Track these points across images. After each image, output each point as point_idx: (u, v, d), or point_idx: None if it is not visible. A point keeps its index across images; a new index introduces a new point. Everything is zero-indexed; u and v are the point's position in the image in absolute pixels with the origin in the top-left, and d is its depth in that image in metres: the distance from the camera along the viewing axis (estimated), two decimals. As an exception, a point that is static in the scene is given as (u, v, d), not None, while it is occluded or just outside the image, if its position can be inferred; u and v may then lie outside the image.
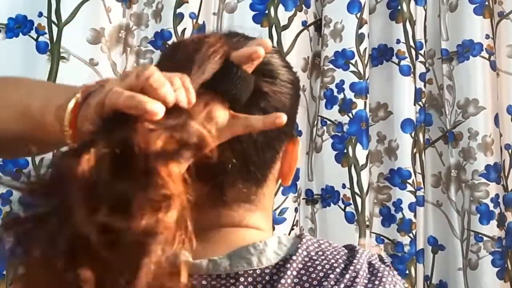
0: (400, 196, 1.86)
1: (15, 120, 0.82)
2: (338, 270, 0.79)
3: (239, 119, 0.75)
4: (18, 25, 1.73)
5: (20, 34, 1.73)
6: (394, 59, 1.89)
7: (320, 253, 0.82)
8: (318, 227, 1.91)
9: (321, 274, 0.78)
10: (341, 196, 1.87)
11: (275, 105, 0.80)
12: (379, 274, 0.80)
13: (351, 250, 0.84)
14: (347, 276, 0.78)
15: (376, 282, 0.79)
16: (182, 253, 0.63)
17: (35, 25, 1.73)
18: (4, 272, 1.68)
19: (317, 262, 0.80)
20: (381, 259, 0.84)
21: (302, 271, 0.79)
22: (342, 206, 1.87)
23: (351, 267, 0.79)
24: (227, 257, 0.79)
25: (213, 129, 0.72)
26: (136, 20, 1.83)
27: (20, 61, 1.72)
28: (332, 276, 0.78)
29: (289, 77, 0.83)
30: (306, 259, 0.80)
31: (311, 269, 0.79)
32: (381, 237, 1.89)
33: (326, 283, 0.77)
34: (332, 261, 0.80)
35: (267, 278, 0.78)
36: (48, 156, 0.81)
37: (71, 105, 0.76)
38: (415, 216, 1.86)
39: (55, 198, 0.62)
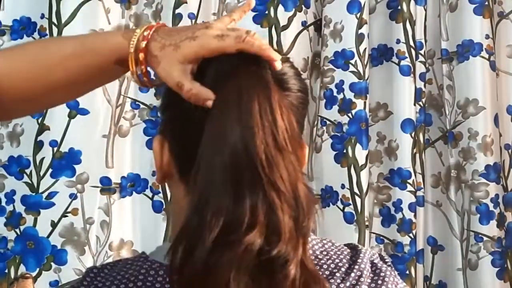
0: (400, 196, 1.87)
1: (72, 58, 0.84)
2: (343, 269, 0.80)
3: None
4: (22, 27, 1.75)
5: (24, 35, 1.74)
6: (394, 59, 1.90)
7: (325, 252, 0.82)
8: (318, 227, 1.91)
9: (327, 272, 0.79)
10: (340, 196, 1.87)
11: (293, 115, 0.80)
12: (382, 274, 0.81)
13: (354, 249, 0.84)
14: (352, 275, 0.79)
15: (379, 282, 0.80)
16: None
17: (38, 26, 1.74)
18: (6, 271, 1.69)
19: (322, 261, 0.81)
20: (382, 258, 0.85)
21: None
22: (341, 207, 1.87)
23: (356, 267, 0.80)
24: None
25: None
26: (135, 20, 1.83)
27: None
28: (338, 274, 0.79)
29: (301, 86, 0.83)
30: (312, 257, 0.81)
31: (317, 267, 0.80)
32: (381, 237, 1.90)
33: (332, 280, 0.78)
34: (337, 260, 0.81)
35: None
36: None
37: (140, 32, 0.80)
38: (415, 216, 1.86)
39: None
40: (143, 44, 0.78)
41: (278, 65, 0.76)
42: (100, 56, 0.81)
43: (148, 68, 0.80)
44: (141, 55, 0.79)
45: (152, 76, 0.81)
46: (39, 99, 0.85)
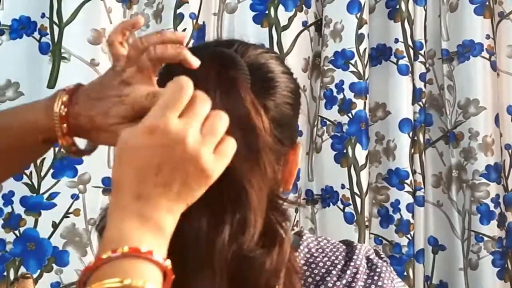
0: (398, 196, 1.87)
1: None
2: (339, 266, 0.80)
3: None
4: (22, 26, 1.74)
5: (24, 35, 1.74)
6: (392, 58, 1.90)
7: (320, 250, 0.83)
8: (318, 227, 1.91)
9: (323, 270, 0.80)
10: (340, 196, 1.87)
11: (275, 116, 0.78)
12: (378, 270, 0.82)
13: (349, 246, 0.85)
14: (348, 272, 0.80)
15: (375, 278, 0.80)
16: None
17: (38, 26, 1.74)
18: (5, 273, 1.69)
19: (318, 259, 0.81)
20: (377, 253, 0.85)
21: (305, 267, 0.80)
22: (341, 207, 1.87)
23: (351, 263, 0.81)
24: None
25: None
26: (136, 20, 1.83)
27: (23, 62, 1.73)
28: (334, 272, 0.80)
29: (290, 85, 0.80)
30: (308, 255, 0.81)
31: (313, 265, 0.80)
32: (379, 238, 1.90)
33: (329, 278, 0.79)
34: (333, 257, 0.82)
35: None
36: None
37: (61, 100, 0.73)
38: (413, 217, 1.86)
39: None
40: (64, 127, 0.73)
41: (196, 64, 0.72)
42: (18, 134, 0.76)
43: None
44: (66, 140, 0.74)
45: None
46: None
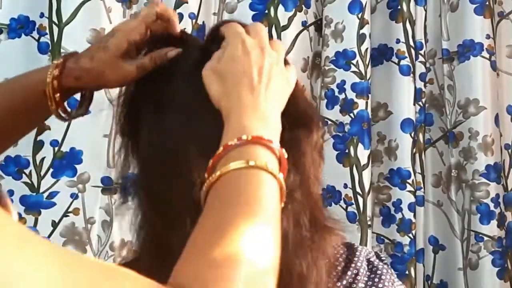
0: (400, 196, 1.87)
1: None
2: (339, 268, 0.81)
3: None
4: (20, 26, 1.73)
5: (22, 34, 1.73)
6: (394, 58, 1.90)
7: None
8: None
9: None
10: (343, 196, 1.87)
11: None
12: (378, 272, 0.82)
13: (350, 248, 0.85)
14: (349, 273, 0.80)
15: (376, 280, 0.81)
16: None
17: (37, 25, 1.73)
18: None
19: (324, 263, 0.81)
20: (378, 256, 0.86)
21: None
22: (344, 206, 1.87)
23: (352, 265, 0.81)
24: None
25: None
26: (136, 20, 1.83)
27: (22, 61, 1.72)
28: (334, 273, 0.80)
29: None
30: None
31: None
32: (381, 237, 1.90)
33: (328, 279, 0.78)
34: (333, 259, 0.81)
35: None
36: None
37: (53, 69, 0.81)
38: (414, 216, 1.86)
39: None
40: (55, 83, 0.80)
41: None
42: (21, 94, 0.83)
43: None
44: (57, 96, 0.81)
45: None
46: None
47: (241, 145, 0.65)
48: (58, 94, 0.80)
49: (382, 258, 0.85)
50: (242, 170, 0.63)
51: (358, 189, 1.86)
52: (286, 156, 0.67)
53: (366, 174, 1.87)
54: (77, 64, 0.80)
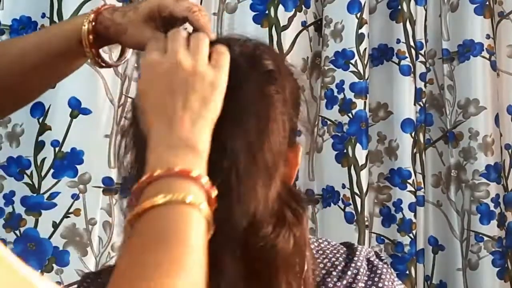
0: (400, 196, 1.87)
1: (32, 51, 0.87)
2: (339, 267, 0.81)
3: None
4: (22, 26, 1.73)
5: (24, 35, 1.73)
6: (394, 59, 1.90)
7: (321, 251, 0.83)
8: (319, 227, 1.91)
9: (324, 271, 0.80)
10: (341, 196, 1.87)
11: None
12: (378, 271, 0.82)
13: (350, 248, 0.85)
14: (349, 273, 0.80)
15: (376, 279, 0.81)
16: None
17: (39, 26, 1.73)
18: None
19: (318, 260, 0.81)
20: (378, 255, 0.86)
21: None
22: (342, 206, 1.87)
23: (352, 265, 0.81)
24: None
25: None
26: (136, 20, 1.83)
27: (22, 62, 1.72)
28: (334, 273, 0.80)
29: (293, 86, 0.81)
30: None
31: (313, 267, 0.80)
32: (381, 237, 1.90)
33: (329, 279, 0.79)
34: (333, 259, 0.82)
35: None
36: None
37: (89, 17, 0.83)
38: (415, 216, 1.86)
39: None
40: (90, 25, 0.83)
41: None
42: (59, 42, 0.85)
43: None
44: (91, 37, 0.83)
45: (107, 59, 0.87)
46: (14, 89, 0.89)
47: (160, 177, 0.63)
48: (91, 36, 0.83)
49: (382, 258, 0.86)
50: (163, 207, 0.61)
51: (356, 190, 1.86)
52: (210, 185, 0.65)
53: (364, 174, 1.87)
54: (111, 15, 0.82)
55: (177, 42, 0.73)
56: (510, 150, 1.88)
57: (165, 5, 0.80)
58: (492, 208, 1.81)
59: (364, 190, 1.86)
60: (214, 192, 0.64)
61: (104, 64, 0.87)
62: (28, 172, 1.70)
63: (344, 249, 0.85)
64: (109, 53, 0.94)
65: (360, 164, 1.86)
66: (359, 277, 0.80)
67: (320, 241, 0.85)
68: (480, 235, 1.81)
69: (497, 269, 1.79)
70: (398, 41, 1.90)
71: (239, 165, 0.70)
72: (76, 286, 0.82)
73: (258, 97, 0.73)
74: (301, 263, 0.73)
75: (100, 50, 0.86)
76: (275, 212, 0.72)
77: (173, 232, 0.60)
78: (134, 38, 0.81)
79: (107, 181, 1.75)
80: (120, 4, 1.77)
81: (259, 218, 0.70)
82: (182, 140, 0.66)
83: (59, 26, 0.89)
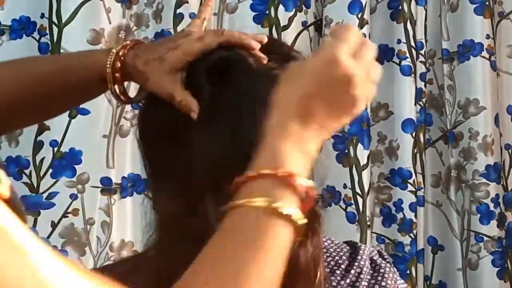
0: (401, 196, 1.87)
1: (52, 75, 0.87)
2: (343, 266, 0.82)
3: None
4: (22, 27, 1.73)
5: (24, 35, 1.73)
6: (395, 59, 1.90)
7: (324, 250, 0.84)
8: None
9: (327, 270, 0.81)
10: (342, 196, 1.87)
11: None
12: (381, 270, 0.83)
13: (353, 247, 0.86)
14: (352, 271, 0.81)
15: (379, 278, 0.82)
16: None
17: (38, 26, 1.73)
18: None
19: (322, 259, 0.81)
20: (381, 255, 0.86)
21: None
22: (343, 206, 1.87)
23: (355, 263, 0.82)
24: None
25: None
26: (136, 20, 1.83)
27: (23, 62, 1.72)
28: (338, 272, 0.80)
29: None
30: None
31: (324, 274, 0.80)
32: (382, 237, 1.90)
33: (332, 278, 0.80)
34: (337, 257, 0.82)
35: None
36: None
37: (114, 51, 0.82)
38: (415, 216, 1.86)
39: None
40: (118, 64, 0.81)
41: (259, 53, 0.77)
42: (79, 74, 0.84)
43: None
44: (117, 75, 0.81)
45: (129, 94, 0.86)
46: (25, 111, 0.89)
47: (272, 177, 0.62)
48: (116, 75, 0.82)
49: (385, 257, 0.86)
50: (262, 211, 0.60)
51: (357, 189, 1.86)
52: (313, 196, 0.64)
53: (366, 174, 1.87)
54: (133, 61, 0.81)
55: (364, 64, 0.69)
56: (510, 150, 1.88)
57: (193, 50, 0.78)
58: (492, 208, 1.81)
59: (366, 190, 1.85)
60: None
61: (127, 100, 0.87)
62: (27, 171, 1.70)
63: (348, 248, 0.85)
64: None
65: (361, 164, 1.86)
66: (362, 276, 0.80)
67: (324, 239, 0.85)
68: (480, 235, 1.81)
69: (497, 269, 1.79)
70: (399, 41, 1.90)
71: None
72: None
73: None
74: (316, 270, 0.73)
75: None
76: None
77: (258, 240, 0.60)
78: (155, 88, 0.79)
79: (105, 181, 1.75)
80: (119, 4, 1.77)
81: None
82: (308, 145, 0.65)
83: (78, 59, 0.88)
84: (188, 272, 0.58)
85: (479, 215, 1.82)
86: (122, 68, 0.81)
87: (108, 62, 0.81)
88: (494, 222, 1.82)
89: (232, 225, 0.61)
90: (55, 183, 1.71)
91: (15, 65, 0.91)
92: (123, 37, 1.79)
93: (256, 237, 0.60)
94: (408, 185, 1.86)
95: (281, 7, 1.87)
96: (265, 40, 0.81)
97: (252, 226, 0.60)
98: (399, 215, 1.86)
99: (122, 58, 0.81)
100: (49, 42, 1.71)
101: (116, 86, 0.83)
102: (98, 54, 0.84)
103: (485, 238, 1.81)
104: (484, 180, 1.82)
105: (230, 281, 0.57)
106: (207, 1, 0.90)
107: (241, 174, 0.63)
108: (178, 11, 1.80)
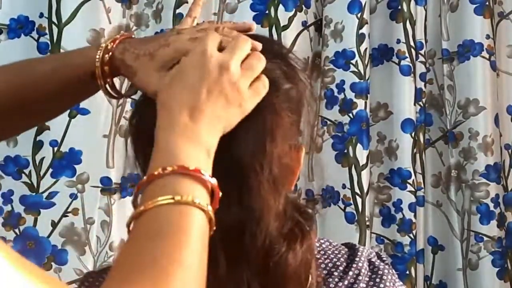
0: (400, 196, 1.87)
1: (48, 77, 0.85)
2: (341, 268, 0.81)
3: None
4: (20, 26, 1.73)
5: (22, 35, 1.73)
6: (395, 59, 1.90)
7: (322, 252, 0.83)
8: (319, 227, 1.91)
9: (325, 272, 0.81)
10: (341, 196, 1.87)
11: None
12: (380, 272, 0.82)
13: (351, 249, 0.85)
14: (350, 273, 0.81)
15: (377, 280, 0.81)
16: None
17: (36, 25, 1.73)
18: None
19: (320, 261, 0.81)
20: (379, 256, 0.86)
21: None
22: (342, 206, 1.87)
23: (354, 265, 0.81)
24: None
25: None
26: (136, 20, 1.83)
27: (21, 62, 1.72)
28: (336, 273, 0.80)
29: (304, 86, 0.80)
30: None
31: (317, 274, 0.80)
32: (381, 238, 1.90)
33: (330, 279, 0.79)
34: (335, 259, 0.82)
35: None
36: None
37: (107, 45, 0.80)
38: (415, 216, 1.86)
39: None
40: (107, 57, 0.79)
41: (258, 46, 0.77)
42: (73, 71, 0.83)
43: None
44: (106, 68, 0.80)
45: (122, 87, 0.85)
46: (23, 116, 0.89)
47: (167, 175, 0.64)
48: (104, 68, 0.81)
49: (383, 258, 0.86)
50: (168, 206, 0.62)
51: (357, 190, 1.86)
52: (216, 184, 0.65)
53: (365, 175, 1.87)
54: (122, 55, 0.79)
55: (238, 53, 0.72)
56: (510, 150, 1.88)
57: (184, 49, 0.76)
58: (492, 208, 1.81)
59: (365, 190, 1.85)
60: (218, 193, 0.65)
61: (116, 95, 0.85)
62: (26, 171, 1.71)
63: (346, 249, 0.85)
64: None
65: (361, 164, 1.86)
66: (360, 277, 0.80)
67: (322, 241, 0.85)
68: (480, 235, 1.81)
69: (497, 269, 1.79)
70: (398, 41, 1.90)
71: (249, 178, 0.71)
72: (78, 284, 0.82)
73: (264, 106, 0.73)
74: (307, 273, 0.73)
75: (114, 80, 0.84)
76: (283, 227, 0.73)
77: (175, 229, 0.61)
78: (141, 84, 0.77)
79: (105, 181, 1.75)
80: (119, 4, 1.77)
81: (270, 233, 0.71)
82: (200, 139, 0.67)
83: (72, 56, 0.87)
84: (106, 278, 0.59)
85: (479, 215, 1.82)
86: (110, 62, 0.80)
87: (97, 56, 0.80)
88: (494, 222, 1.82)
89: (145, 227, 0.62)
90: (55, 182, 1.71)
91: (9, 69, 0.91)
92: (123, 37, 1.78)
93: (170, 228, 0.61)
94: (408, 185, 1.86)
95: (281, 7, 1.87)
96: (254, 27, 0.82)
97: (164, 221, 0.62)
98: (399, 215, 1.86)
99: (110, 51, 0.79)
100: (48, 42, 1.71)
101: (104, 80, 0.82)
102: (90, 50, 0.82)
103: (485, 238, 1.81)
104: (484, 180, 1.82)
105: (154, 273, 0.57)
106: (197, 0, 0.91)
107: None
108: (177, 11, 1.80)
